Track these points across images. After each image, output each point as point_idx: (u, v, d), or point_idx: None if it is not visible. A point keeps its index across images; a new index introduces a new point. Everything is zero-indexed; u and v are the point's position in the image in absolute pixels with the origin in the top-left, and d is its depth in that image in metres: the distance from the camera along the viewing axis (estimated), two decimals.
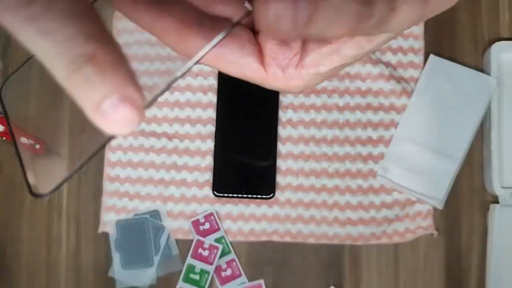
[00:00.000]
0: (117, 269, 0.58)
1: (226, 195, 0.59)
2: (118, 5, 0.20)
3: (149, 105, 0.18)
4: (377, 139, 0.60)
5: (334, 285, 0.58)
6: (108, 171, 0.60)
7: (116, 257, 0.58)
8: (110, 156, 0.60)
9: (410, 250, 0.59)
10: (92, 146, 0.17)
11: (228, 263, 0.58)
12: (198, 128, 0.60)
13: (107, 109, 0.15)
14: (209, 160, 0.60)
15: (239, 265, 0.58)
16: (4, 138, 0.60)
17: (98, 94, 0.15)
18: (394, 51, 0.61)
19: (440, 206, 0.57)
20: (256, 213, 0.59)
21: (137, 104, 0.16)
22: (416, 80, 0.60)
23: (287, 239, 0.59)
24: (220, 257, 0.58)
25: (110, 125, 0.16)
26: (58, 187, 0.18)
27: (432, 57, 0.60)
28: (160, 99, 0.62)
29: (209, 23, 0.20)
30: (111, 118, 0.15)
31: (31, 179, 0.17)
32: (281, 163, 0.60)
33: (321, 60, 0.20)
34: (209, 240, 0.58)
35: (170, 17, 0.20)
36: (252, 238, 0.59)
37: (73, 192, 0.60)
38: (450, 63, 0.60)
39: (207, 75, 0.61)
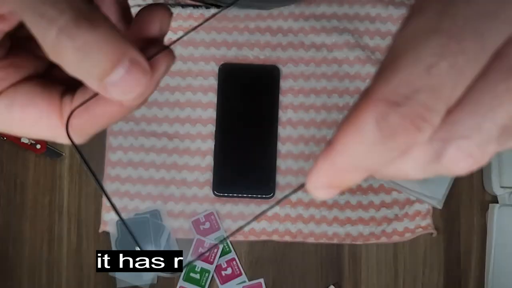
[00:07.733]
0: None
1: (226, 194, 0.59)
2: None
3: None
4: None
5: (333, 284, 0.58)
6: (108, 171, 0.60)
7: None
8: (111, 156, 0.60)
9: (409, 249, 0.59)
10: None
11: (228, 262, 0.59)
12: (199, 128, 0.60)
13: (118, 78, 0.14)
14: (209, 160, 0.60)
15: (239, 264, 0.59)
16: (5, 138, 0.60)
17: (104, 62, 0.14)
18: None
19: (439, 206, 0.58)
20: (256, 212, 0.59)
21: (144, 67, 0.15)
22: None
23: (287, 238, 0.59)
24: (220, 256, 0.58)
25: (121, 92, 0.15)
26: None
27: None
28: (161, 99, 0.62)
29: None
30: (121, 85, 0.15)
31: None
32: (281, 163, 0.60)
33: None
34: (209, 240, 0.58)
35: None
36: (252, 238, 0.59)
37: (74, 192, 0.60)
38: None
39: (207, 75, 0.61)
